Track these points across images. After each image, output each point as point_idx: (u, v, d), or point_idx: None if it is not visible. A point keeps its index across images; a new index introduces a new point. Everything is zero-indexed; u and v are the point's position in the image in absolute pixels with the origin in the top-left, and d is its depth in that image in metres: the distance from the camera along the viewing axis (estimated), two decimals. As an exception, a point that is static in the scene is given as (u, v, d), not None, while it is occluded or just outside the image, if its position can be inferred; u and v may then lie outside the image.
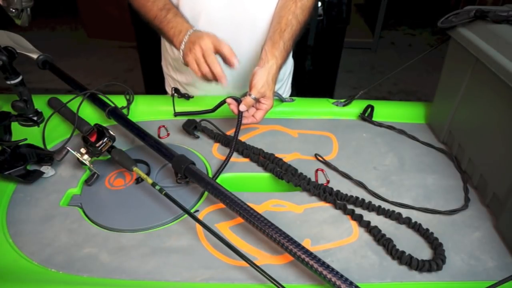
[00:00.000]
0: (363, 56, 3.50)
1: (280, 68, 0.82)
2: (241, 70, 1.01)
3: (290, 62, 1.11)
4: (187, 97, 1.00)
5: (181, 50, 0.81)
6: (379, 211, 0.69)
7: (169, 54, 1.05)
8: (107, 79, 2.95)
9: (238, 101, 0.82)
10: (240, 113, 0.81)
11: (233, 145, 0.79)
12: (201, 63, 0.77)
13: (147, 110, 0.97)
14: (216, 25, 0.92)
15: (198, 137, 0.89)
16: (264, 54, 0.81)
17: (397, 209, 0.70)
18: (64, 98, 0.91)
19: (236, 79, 1.03)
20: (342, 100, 1.00)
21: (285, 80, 1.12)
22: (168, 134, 0.91)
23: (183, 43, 0.80)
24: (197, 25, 0.92)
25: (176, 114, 0.96)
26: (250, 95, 0.79)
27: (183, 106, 0.98)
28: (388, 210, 0.69)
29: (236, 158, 0.83)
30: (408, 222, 0.67)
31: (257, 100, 0.81)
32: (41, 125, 0.81)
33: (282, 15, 0.86)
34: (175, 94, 0.99)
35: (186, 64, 0.81)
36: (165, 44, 1.05)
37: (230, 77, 1.01)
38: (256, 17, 0.92)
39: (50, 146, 0.84)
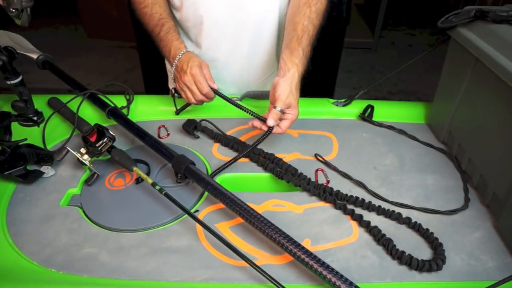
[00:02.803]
0: (363, 56, 3.49)
1: (301, 76, 0.79)
2: (243, 71, 1.01)
3: None
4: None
5: (172, 73, 0.87)
6: (379, 211, 0.69)
7: None
8: (107, 79, 2.95)
9: (261, 118, 0.78)
10: (269, 129, 0.76)
11: (251, 148, 0.77)
12: (195, 92, 0.84)
13: (147, 110, 0.97)
14: (218, 28, 0.93)
15: (198, 137, 0.89)
16: (283, 63, 0.78)
17: (397, 209, 0.70)
18: (64, 98, 0.91)
19: (238, 79, 1.03)
20: (342, 100, 1.00)
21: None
22: (168, 134, 0.91)
23: (174, 65, 0.86)
24: (200, 28, 0.93)
25: (178, 111, 0.96)
26: (275, 107, 0.75)
27: (181, 105, 0.98)
28: (388, 210, 0.69)
29: (236, 158, 0.83)
30: (408, 222, 0.67)
31: (282, 111, 0.77)
32: (41, 125, 0.81)
33: (297, 21, 0.83)
34: (176, 94, 0.99)
35: (178, 89, 0.88)
36: None
37: (231, 77, 1.02)
38: (258, 19, 0.92)
39: (50, 146, 0.84)
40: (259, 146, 0.84)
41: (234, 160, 0.76)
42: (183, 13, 0.93)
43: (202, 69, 0.85)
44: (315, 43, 0.84)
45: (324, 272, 0.53)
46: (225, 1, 0.89)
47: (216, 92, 0.85)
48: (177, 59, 0.85)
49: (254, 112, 0.79)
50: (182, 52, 0.85)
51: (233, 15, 0.90)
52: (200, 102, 0.87)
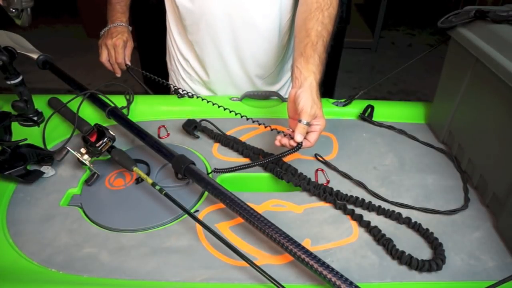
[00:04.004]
0: (363, 56, 3.50)
1: (319, 83, 0.74)
2: (240, 73, 1.01)
3: None
4: (185, 94, 0.99)
5: (101, 33, 1.02)
6: (379, 211, 0.69)
7: (174, 49, 1.06)
8: (107, 79, 2.94)
9: (284, 134, 0.73)
10: (298, 145, 0.70)
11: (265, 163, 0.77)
12: (111, 55, 0.99)
13: (147, 110, 0.97)
14: (216, 29, 0.93)
15: (198, 137, 0.89)
16: (298, 73, 0.73)
17: (397, 209, 0.70)
18: (64, 98, 0.91)
19: (238, 80, 1.03)
20: (342, 100, 1.00)
21: (288, 80, 1.12)
22: (168, 134, 0.91)
23: (104, 30, 1.02)
24: (199, 29, 0.94)
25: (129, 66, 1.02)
26: (300, 121, 0.70)
27: (181, 105, 0.98)
28: (388, 210, 0.69)
29: (236, 158, 0.83)
30: (408, 222, 0.67)
31: (309, 124, 0.72)
32: (41, 125, 0.81)
33: (310, 27, 0.77)
34: (176, 95, 1.00)
35: (99, 46, 1.01)
36: (171, 40, 1.06)
37: (230, 77, 1.03)
38: (255, 22, 0.92)
39: (50, 146, 0.84)
40: (258, 146, 0.84)
41: (246, 167, 0.76)
42: (180, 12, 0.93)
43: (126, 46, 0.99)
44: (329, 49, 0.79)
45: (324, 272, 0.53)
46: (223, 2, 0.89)
47: (128, 67, 1.00)
48: (113, 25, 1.00)
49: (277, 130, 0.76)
50: (120, 24, 1.00)
51: (232, 15, 0.90)
52: (110, 65, 1.01)
